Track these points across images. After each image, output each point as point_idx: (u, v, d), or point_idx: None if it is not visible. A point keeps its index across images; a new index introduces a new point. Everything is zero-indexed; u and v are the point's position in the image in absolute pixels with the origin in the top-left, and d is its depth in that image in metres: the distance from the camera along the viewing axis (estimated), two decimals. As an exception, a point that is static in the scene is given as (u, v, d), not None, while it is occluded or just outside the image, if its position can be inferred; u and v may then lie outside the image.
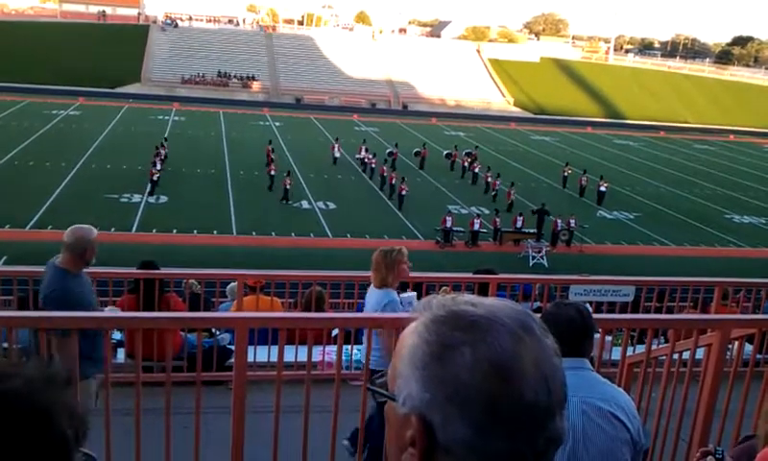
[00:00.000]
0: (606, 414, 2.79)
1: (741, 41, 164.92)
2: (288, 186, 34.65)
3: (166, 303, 7.63)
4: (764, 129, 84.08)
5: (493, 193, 37.97)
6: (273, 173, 36.91)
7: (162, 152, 39.99)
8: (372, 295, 5.84)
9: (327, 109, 73.68)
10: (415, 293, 6.99)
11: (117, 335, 7.66)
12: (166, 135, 47.24)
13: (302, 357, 5.69)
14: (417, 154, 46.50)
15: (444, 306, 1.14)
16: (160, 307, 7.43)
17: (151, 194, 33.83)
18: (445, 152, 48.21)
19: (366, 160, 42.95)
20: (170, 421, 4.14)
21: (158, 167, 35.84)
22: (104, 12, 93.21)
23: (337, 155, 44.77)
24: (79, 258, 5.50)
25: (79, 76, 69.37)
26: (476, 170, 42.44)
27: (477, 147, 50.34)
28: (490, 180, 39.51)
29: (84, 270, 5.72)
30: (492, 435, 1.06)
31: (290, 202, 34.29)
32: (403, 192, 34.61)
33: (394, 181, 36.82)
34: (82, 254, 5.50)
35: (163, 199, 33.47)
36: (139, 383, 4.13)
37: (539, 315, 3.07)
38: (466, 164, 44.12)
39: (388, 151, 45.22)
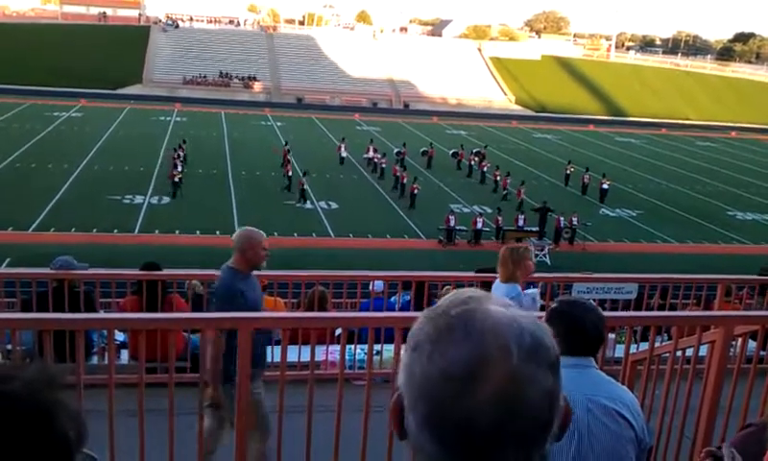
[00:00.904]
0: (611, 412, 2.79)
1: (743, 38, 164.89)
2: (305, 187, 34.85)
3: (169, 303, 7.64)
4: (766, 125, 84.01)
5: (504, 192, 37.94)
6: (290, 174, 37.07)
7: (181, 153, 39.88)
8: (498, 289, 6.05)
9: (329, 108, 73.72)
10: (537, 289, 7.17)
11: (120, 336, 7.67)
12: (182, 137, 46.67)
13: (306, 357, 5.69)
14: (424, 153, 46.53)
15: (444, 305, 1.15)
16: (163, 308, 7.44)
17: (173, 196, 33.88)
18: (451, 151, 48.22)
19: (376, 160, 42.93)
20: (174, 422, 4.14)
21: (179, 169, 35.83)
22: (104, 13, 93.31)
23: (344, 154, 44.79)
24: (243, 258, 5.61)
25: (80, 78, 69.52)
26: (485, 169, 42.49)
27: (486, 146, 50.31)
28: (499, 179, 39.58)
29: (90, 271, 5.74)
30: (430, 440, 1.08)
31: (306, 203, 34.44)
32: (415, 191, 34.82)
33: (405, 181, 36.99)
34: (243, 254, 5.60)
35: (165, 200, 33.49)
36: (142, 384, 4.13)
37: (552, 306, 3.08)
38: (473, 163, 44.12)
39: (396, 150, 45.19)
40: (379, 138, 53.87)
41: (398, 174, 38.33)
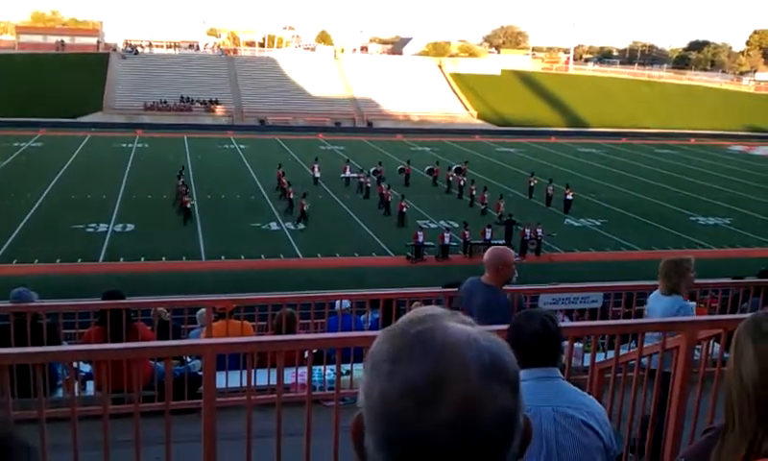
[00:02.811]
0: (578, 422, 2.80)
1: (697, 46, 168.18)
2: (305, 208, 34.99)
3: (134, 332, 7.52)
4: (724, 131, 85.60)
5: (482, 207, 38.12)
6: (291, 197, 37.14)
7: (182, 181, 39.47)
8: (660, 301, 6.26)
9: (292, 129, 73.56)
10: (694, 303, 7.23)
11: (86, 368, 7.54)
12: (184, 164, 46.41)
13: (275, 380, 5.64)
14: (401, 171, 46.66)
15: (403, 324, 1.14)
16: (128, 337, 7.33)
17: (184, 224, 33.86)
18: (427, 167, 48.38)
19: (361, 180, 43.07)
20: (140, 452, 4.08)
21: (188, 195, 35.82)
22: (62, 41, 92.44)
23: (317, 175, 44.74)
24: (496, 274, 6.23)
25: (39, 107, 68.57)
26: (461, 183, 42.95)
27: (467, 162, 50.57)
28: (475, 193, 39.98)
29: (53, 302, 5.67)
30: (384, 460, 1.07)
31: (306, 221, 34.60)
32: (404, 209, 35.19)
33: (390, 199, 37.37)
34: (497, 271, 6.22)
35: (130, 227, 33.14)
36: (106, 415, 4.06)
37: (507, 326, 3.10)
38: (451, 179, 44.32)
39: (373, 169, 45.21)
40: (344, 157, 53.88)
41: (383, 192, 38.60)
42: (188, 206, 34.62)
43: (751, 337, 1.65)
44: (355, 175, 45.00)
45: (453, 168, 46.55)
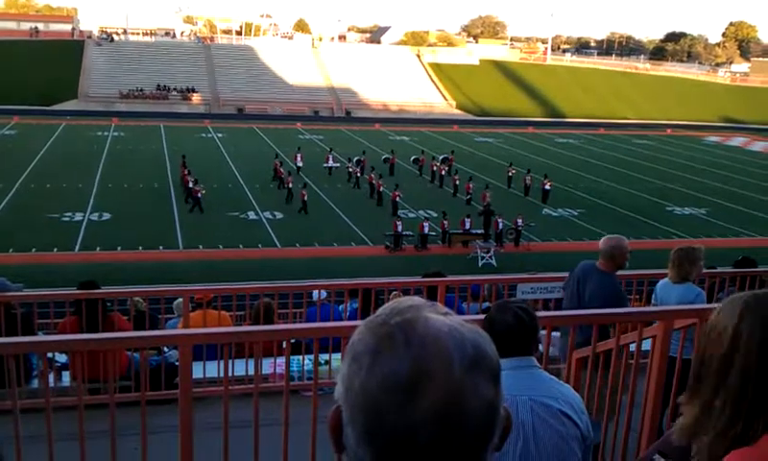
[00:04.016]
0: (555, 412, 2.80)
1: (674, 38, 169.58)
2: (305, 198, 35.10)
3: (110, 322, 7.46)
4: (700, 122, 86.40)
5: (467, 197, 38.16)
6: (290, 186, 37.24)
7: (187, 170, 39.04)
8: (673, 289, 6.47)
9: (270, 118, 73.23)
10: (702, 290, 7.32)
11: (62, 358, 7.48)
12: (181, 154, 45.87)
13: (253, 370, 5.62)
14: (386, 160, 46.65)
15: (384, 314, 1.13)
16: (104, 327, 7.27)
17: (201, 211, 33.91)
18: (413, 157, 48.36)
19: (350, 170, 43.06)
20: (116, 443, 4.04)
21: (199, 185, 35.43)
22: (36, 28, 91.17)
23: (300, 164, 44.60)
24: (611, 262, 6.45)
25: (13, 95, 67.65)
26: (442, 173, 43.23)
27: (453, 151, 50.66)
28: (458, 183, 40.14)
29: (28, 291, 5.60)
30: (368, 454, 1.06)
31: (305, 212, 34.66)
32: (397, 198, 35.20)
33: (382, 189, 37.59)
34: (613, 259, 6.44)
35: (106, 216, 32.85)
36: (81, 406, 4.02)
37: (483, 316, 3.10)
38: (434, 169, 44.30)
39: (357, 159, 45.09)
40: (322, 146, 53.76)
41: (373, 182, 38.71)
42: (199, 195, 34.39)
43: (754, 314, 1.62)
44: (338, 165, 44.92)
45: (440, 158, 46.63)
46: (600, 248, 6.52)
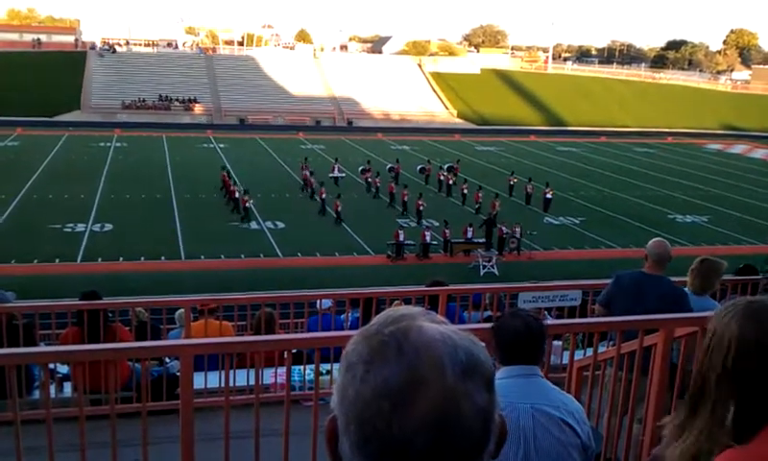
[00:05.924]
0: (557, 421, 2.81)
1: (675, 45, 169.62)
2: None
3: (112, 333, 7.46)
4: (701, 129, 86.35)
5: (477, 207, 38.07)
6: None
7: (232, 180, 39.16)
8: (695, 301, 6.33)
9: (272, 128, 73.30)
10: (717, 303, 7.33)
11: (64, 369, 7.47)
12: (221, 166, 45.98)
13: (254, 381, 5.61)
14: (390, 169, 46.70)
15: (378, 324, 1.14)
16: (106, 338, 7.27)
17: (242, 219, 34.52)
18: (419, 166, 48.36)
19: (368, 180, 43.24)
20: (117, 454, 4.04)
21: (248, 194, 35.68)
22: (38, 39, 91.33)
23: (338, 175, 44.77)
24: (659, 266, 6.38)
25: (16, 106, 67.79)
26: (450, 182, 43.15)
27: (459, 160, 50.73)
28: (466, 192, 40.12)
29: (30, 302, 5.60)
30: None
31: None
32: (421, 208, 35.49)
33: (406, 198, 37.87)
34: (661, 263, 6.39)
35: (108, 227, 32.87)
36: (83, 417, 4.01)
37: (490, 324, 3.10)
38: (441, 178, 44.30)
39: (361, 169, 45.08)
40: (324, 156, 53.80)
41: (395, 191, 39.17)
42: (247, 205, 34.79)
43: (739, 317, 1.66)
44: (343, 175, 45.03)
45: (446, 167, 46.64)
46: (653, 251, 6.39)
